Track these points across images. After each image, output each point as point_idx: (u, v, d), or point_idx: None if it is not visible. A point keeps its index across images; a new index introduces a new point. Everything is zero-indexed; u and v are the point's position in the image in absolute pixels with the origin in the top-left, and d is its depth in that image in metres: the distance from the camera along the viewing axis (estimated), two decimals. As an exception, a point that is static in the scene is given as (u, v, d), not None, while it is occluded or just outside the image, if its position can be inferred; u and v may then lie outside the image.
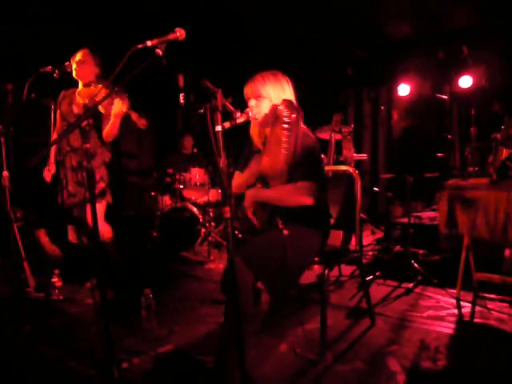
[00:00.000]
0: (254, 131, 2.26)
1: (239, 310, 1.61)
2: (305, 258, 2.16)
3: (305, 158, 2.04)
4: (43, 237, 4.03)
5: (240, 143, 2.50)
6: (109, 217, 3.23)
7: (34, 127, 3.64)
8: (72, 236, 3.35)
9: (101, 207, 3.10)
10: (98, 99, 2.98)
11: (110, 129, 2.99)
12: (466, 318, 2.75)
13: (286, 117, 1.92)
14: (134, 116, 2.96)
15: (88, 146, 1.87)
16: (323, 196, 2.22)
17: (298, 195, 2.06)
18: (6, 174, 2.89)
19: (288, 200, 2.08)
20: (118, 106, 2.83)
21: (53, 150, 3.26)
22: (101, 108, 2.88)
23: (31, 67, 2.79)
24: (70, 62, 3.01)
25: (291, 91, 2.20)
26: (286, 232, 1.97)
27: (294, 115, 1.90)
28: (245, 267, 1.87)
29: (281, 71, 2.22)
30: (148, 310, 2.70)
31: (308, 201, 2.06)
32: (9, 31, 4.40)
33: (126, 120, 3.02)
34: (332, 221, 2.63)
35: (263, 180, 2.19)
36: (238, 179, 2.35)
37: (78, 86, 3.13)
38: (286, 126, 1.91)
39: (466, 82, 5.45)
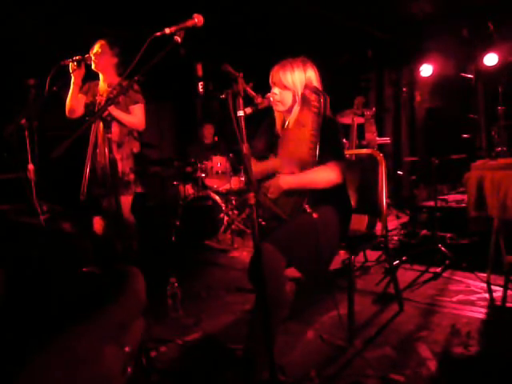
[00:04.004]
0: (278, 117, 2.24)
1: (267, 297, 1.60)
2: (335, 241, 2.13)
3: (333, 139, 2.03)
4: (69, 229, 4.08)
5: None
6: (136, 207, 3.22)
7: (57, 120, 3.68)
8: (97, 227, 3.37)
9: (128, 200, 3.11)
10: (117, 90, 3.00)
11: (123, 121, 3.01)
12: (498, 303, 2.69)
13: (313, 101, 1.90)
14: None
15: (110, 135, 1.87)
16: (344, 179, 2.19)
17: (329, 175, 2.02)
18: (31, 167, 2.93)
19: (319, 181, 2.03)
20: None
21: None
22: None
23: (53, 61, 2.80)
24: (89, 53, 3.01)
25: (318, 82, 2.14)
26: (315, 215, 1.94)
27: (321, 99, 1.88)
28: (277, 253, 1.85)
29: (310, 59, 2.15)
30: (174, 299, 2.71)
31: (338, 180, 2.03)
32: (30, 26, 4.43)
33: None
34: (353, 205, 2.59)
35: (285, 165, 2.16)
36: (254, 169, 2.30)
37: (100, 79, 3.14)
38: (314, 109, 1.89)
39: (491, 59, 5.29)
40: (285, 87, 2.08)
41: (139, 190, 3.20)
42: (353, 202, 2.59)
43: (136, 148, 3.20)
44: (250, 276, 1.98)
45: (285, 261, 1.89)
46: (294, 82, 2.06)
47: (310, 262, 1.96)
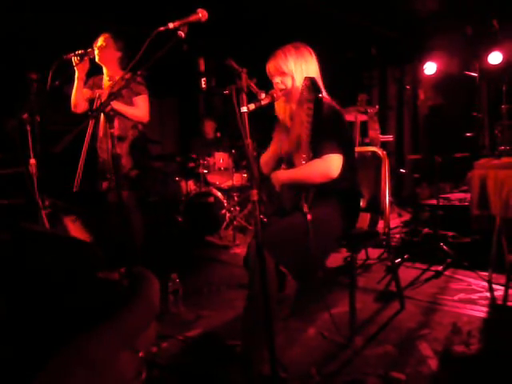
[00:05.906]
0: (279, 107, 2.21)
1: (266, 295, 1.59)
2: (329, 243, 2.10)
3: (329, 132, 1.99)
4: (71, 224, 4.08)
5: (264, 126, 2.47)
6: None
7: (60, 115, 3.68)
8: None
9: (132, 195, 3.10)
10: (120, 84, 2.99)
11: (127, 114, 2.98)
12: (499, 302, 2.68)
13: (307, 98, 1.88)
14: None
15: (113, 131, 1.86)
16: (352, 175, 2.16)
17: (323, 169, 1.97)
18: (33, 161, 2.93)
19: (313, 175, 1.99)
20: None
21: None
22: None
23: (55, 55, 2.79)
24: (92, 47, 3.00)
25: (315, 62, 2.16)
26: (309, 217, 1.92)
27: (316, 100, 1.86)
28: (265, 251, 1.84)
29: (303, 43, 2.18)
30: (175, 295, 2.72)
31: (332, 173, 1.97)
32: (32, 19, 4.42)
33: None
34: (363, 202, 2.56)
35: (288, 159, 2.16)
36: (264, 156, 2.34)
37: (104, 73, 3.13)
38: (307, 107, 1.87)
39: (495, 57, 5.27)
40: (283, 73, 2.09)
41: (143, 184, 3.18)
42: (365, 200, 2.57)
43: (140, 141, 3.16)
44: (245, 265, 1.99)
45: (271, 258, 1.87)
46: (289, 68, 2.07)
47: (297, 262, 1.92)
